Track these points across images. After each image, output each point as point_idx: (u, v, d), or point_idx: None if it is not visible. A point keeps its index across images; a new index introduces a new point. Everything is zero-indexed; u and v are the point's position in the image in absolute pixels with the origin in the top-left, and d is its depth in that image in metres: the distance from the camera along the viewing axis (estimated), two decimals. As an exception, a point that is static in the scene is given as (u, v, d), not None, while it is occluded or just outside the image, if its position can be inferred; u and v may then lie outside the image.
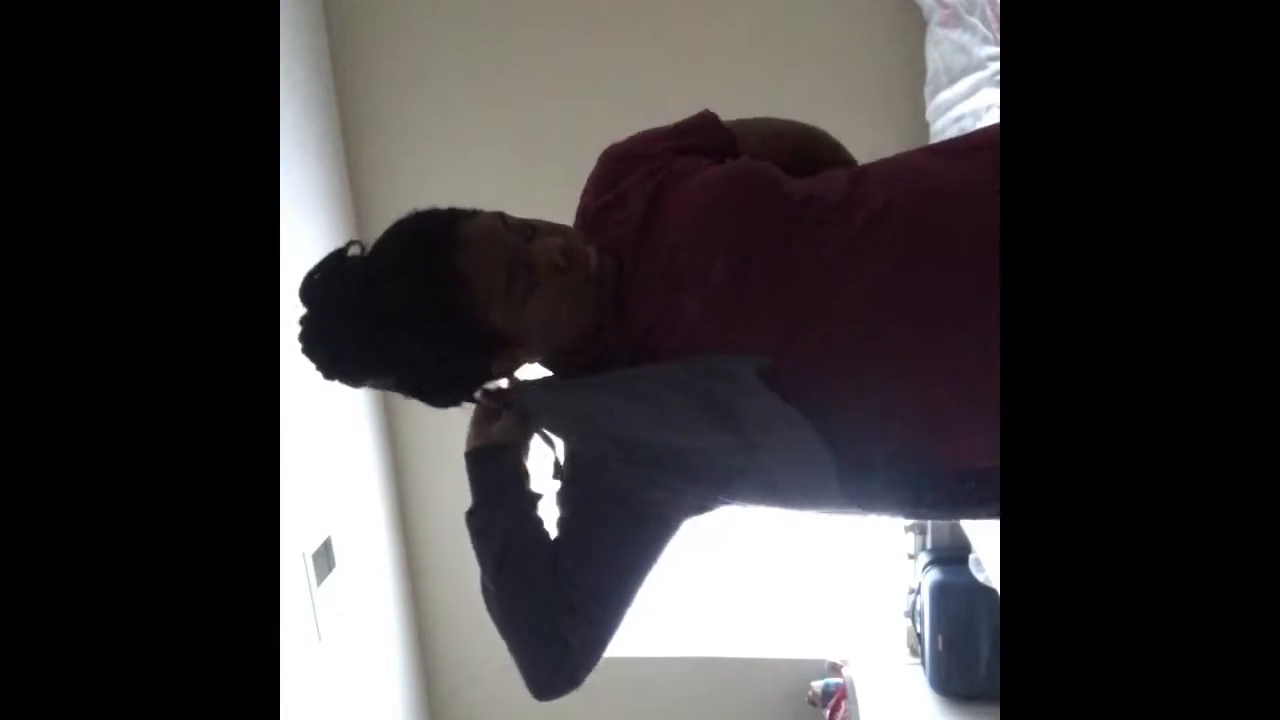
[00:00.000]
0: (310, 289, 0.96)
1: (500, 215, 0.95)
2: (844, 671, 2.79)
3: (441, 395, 1.04)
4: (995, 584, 2.09)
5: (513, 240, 0.93)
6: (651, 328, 0.96)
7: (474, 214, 0.96)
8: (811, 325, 0.87)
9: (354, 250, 0.98)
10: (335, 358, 0.96)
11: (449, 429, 3.03)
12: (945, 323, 0.84)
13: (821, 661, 2.94)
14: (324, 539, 2.49)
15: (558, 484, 1.11)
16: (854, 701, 2.66)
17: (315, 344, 0.96)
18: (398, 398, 2.81)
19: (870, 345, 0.86)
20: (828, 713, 2.85)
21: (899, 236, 0.86)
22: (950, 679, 2.52)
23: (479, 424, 1.11)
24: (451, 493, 3.02)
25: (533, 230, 0.95)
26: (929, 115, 2.32)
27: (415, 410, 2.99)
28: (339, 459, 2.58)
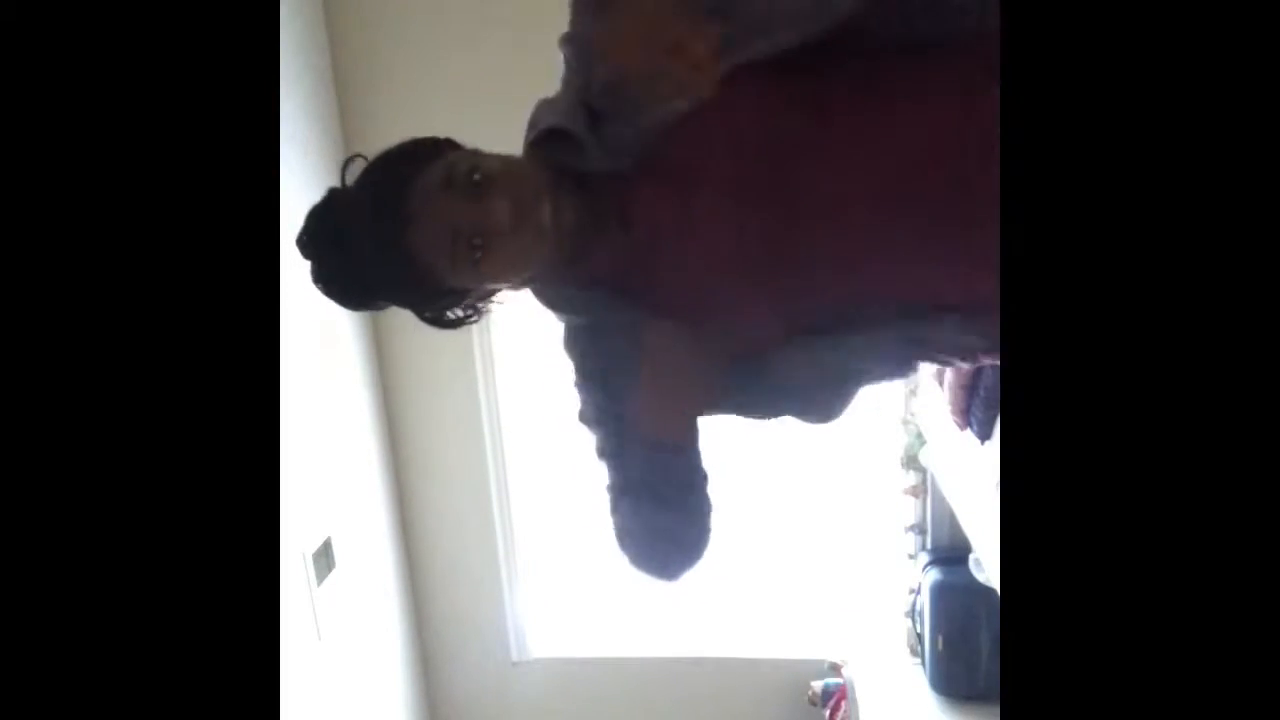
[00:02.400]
0: (303, 233, 1.00)
1: (448, 170, 0.93)
2: (844, 671, 2.79)
3: (438, 321, 1.06)
4: (995, 584, 2.09)
5: (457, 208, 0.92)
6: (658, 236, 0.99)
7: (422, 166, 0.94)
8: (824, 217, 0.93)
9: (354, 166, 1.01)
10: (332, 293, 1.00)
11: (449, 428, 3.04)
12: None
13: (821, 661, 2.94)
14: (324, 539, 2.49)
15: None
16: (854, 701, 2.66)
17: (316, 278, 1.00)
18: (399, 401, 2.80)
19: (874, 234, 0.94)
20: (828, 713, 2.85)
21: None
22: (950, 679, 2.53)
23: None
24: (452, 493, 3.03)
25: (480, 183, 0.93)
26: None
27: (416, 410, 3.00)
28: (339, 459, 2.58)
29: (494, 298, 1.05)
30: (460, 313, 1.04)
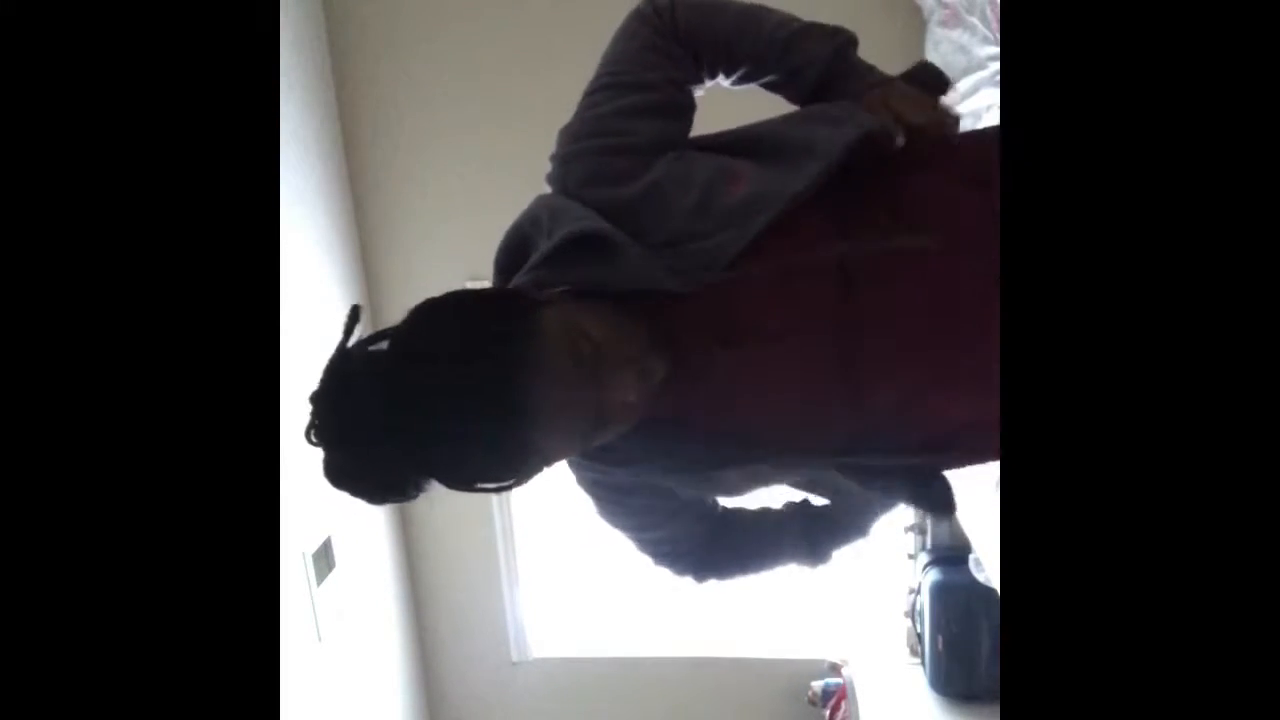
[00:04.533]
0: (333, 425, 0.79)
1: (571, 346, 0.78)
2: (844, 671, 2.79)
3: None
4: (995, 584, 2.09)
5: (583, 395, 0.78)
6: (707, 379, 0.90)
7: (523, 340, 0.76)
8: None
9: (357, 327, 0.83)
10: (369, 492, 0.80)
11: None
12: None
13: (821, 661, 2.94)
14: (324, 539, 2.49)
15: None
16: (854, 701, 2.66)
17: (344, 476, 0.79)
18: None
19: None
20: (828, 713, 2.85)
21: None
22: (950, 679, 2.53)
23: None
24: (451, 493, 3.03)
25: (597, 356, 0.79)
26: (929, 115, 2.32)
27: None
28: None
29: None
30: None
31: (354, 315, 0.82)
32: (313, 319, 2.35)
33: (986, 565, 2.16)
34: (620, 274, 0.83)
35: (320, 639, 2.46)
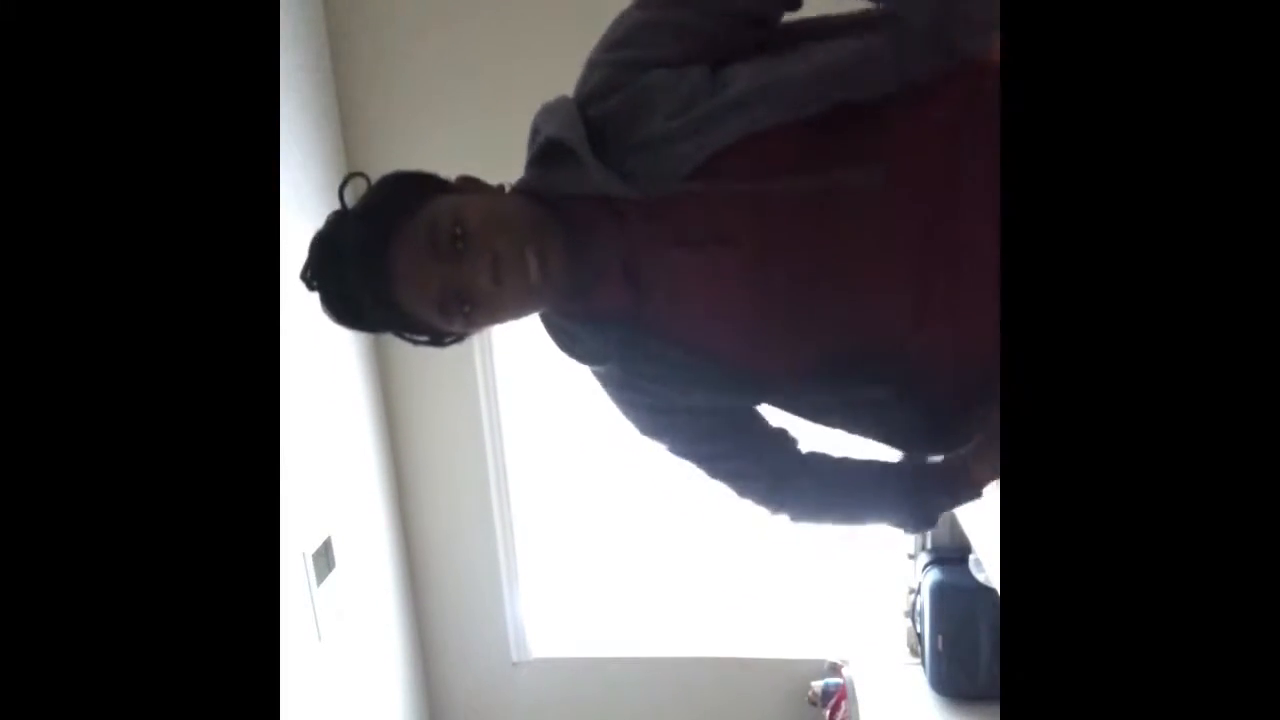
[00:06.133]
0: (306, 264, 0.99)
1: (430, 229, 0.91)
2: (844, 671, 2.79)
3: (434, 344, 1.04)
4: (995, 584, 2.09)
5: (441, 270, 0.91)
6: (669, 290, 0.96)
7: (406, 216, 0.92)
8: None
9: (354, 184, 1.00)
10: (339, 321, 0.99)
11: (449, 428, 3.04)
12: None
13: (821, 661, 2.94)
14: (324, 539, 2.49)
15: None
16: (854, 701, 2.66)
17: (323, 307, 0.99)
18: (399, 400, 2.81)
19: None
20: (828, 713, 2.85)
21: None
22: (950, 679, 2.52)
23: None
24: (451, 493, 3.04)
25: (462, 240, 0.90)
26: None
27: (416, 410, 3.00)
28: (339, 459, 2.58)
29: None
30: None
31: (345, 180, 1.01)
32: (313, 319, 2.35)
33: (986, 565, 2.16)
34: (577, 180, 0.93)
35: (320, 639, 2.46)
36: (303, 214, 2.46)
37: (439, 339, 1.01)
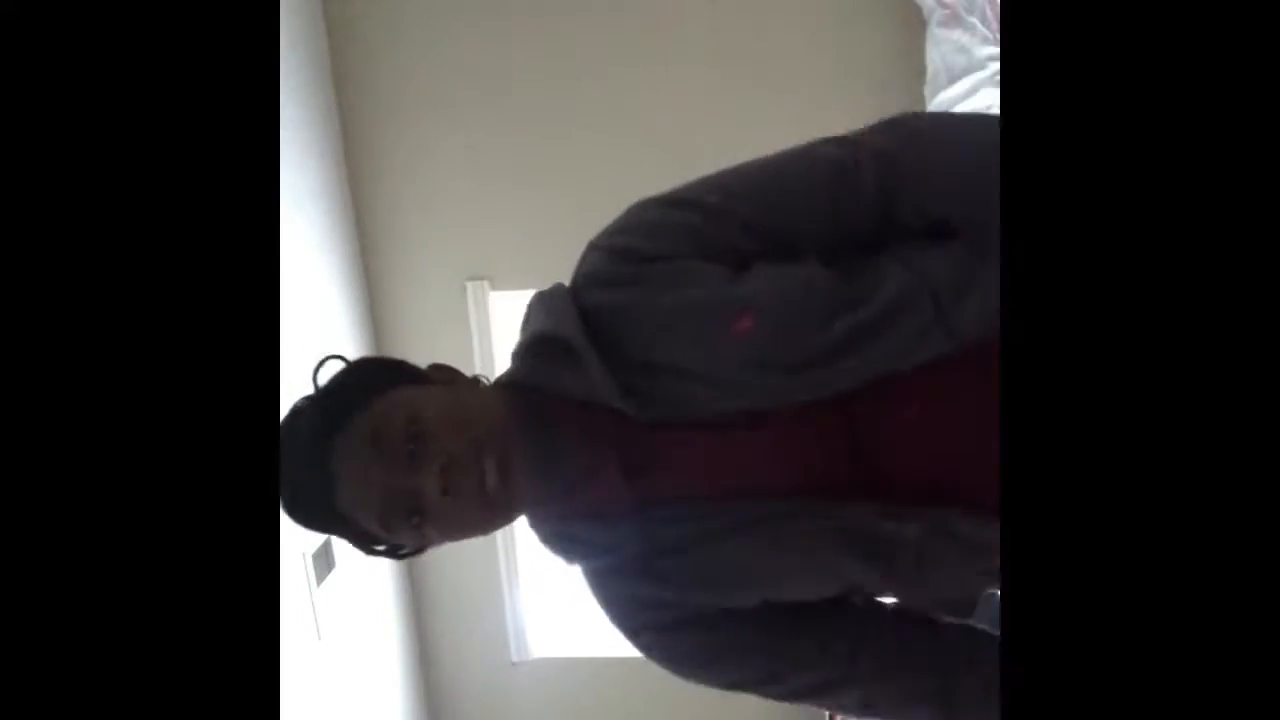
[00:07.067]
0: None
1: (377, 424, 0.80)
2: (844, 671, 2.78)
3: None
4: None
5: (384, 472, 0.79)
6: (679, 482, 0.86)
7: (355, 411, 0.80)
8: None
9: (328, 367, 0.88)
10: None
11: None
12: None
13: (821, 661, 2.94)
14: (324, 539, 2.49)
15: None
16: (854, 701, 2.65)
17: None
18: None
19: None
20: (828, 713, 2.85)
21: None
22: (950, 679, 2.52)
23: None
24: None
25: (415, 440, 0.79)
26: (929, 115, 2.33)
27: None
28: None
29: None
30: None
31: (321, 362, 0.88)
32: (312, 319, 2.35)
33: (986, 565, 2.15)
34: (574, 383, 0.83)
35: (320, 639, 2.46)
36: (302, 214, 2.46)
37: (393, 551, 0.89)
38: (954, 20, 2.25)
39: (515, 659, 3.20)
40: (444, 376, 0.88)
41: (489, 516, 0.83)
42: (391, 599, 2.99)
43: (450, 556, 3.10)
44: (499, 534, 3.03)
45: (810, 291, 0.81)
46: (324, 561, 2.49)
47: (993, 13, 2.22)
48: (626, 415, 0.82)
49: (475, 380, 0.89)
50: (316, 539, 2.44)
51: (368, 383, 0.84)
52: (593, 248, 0.88)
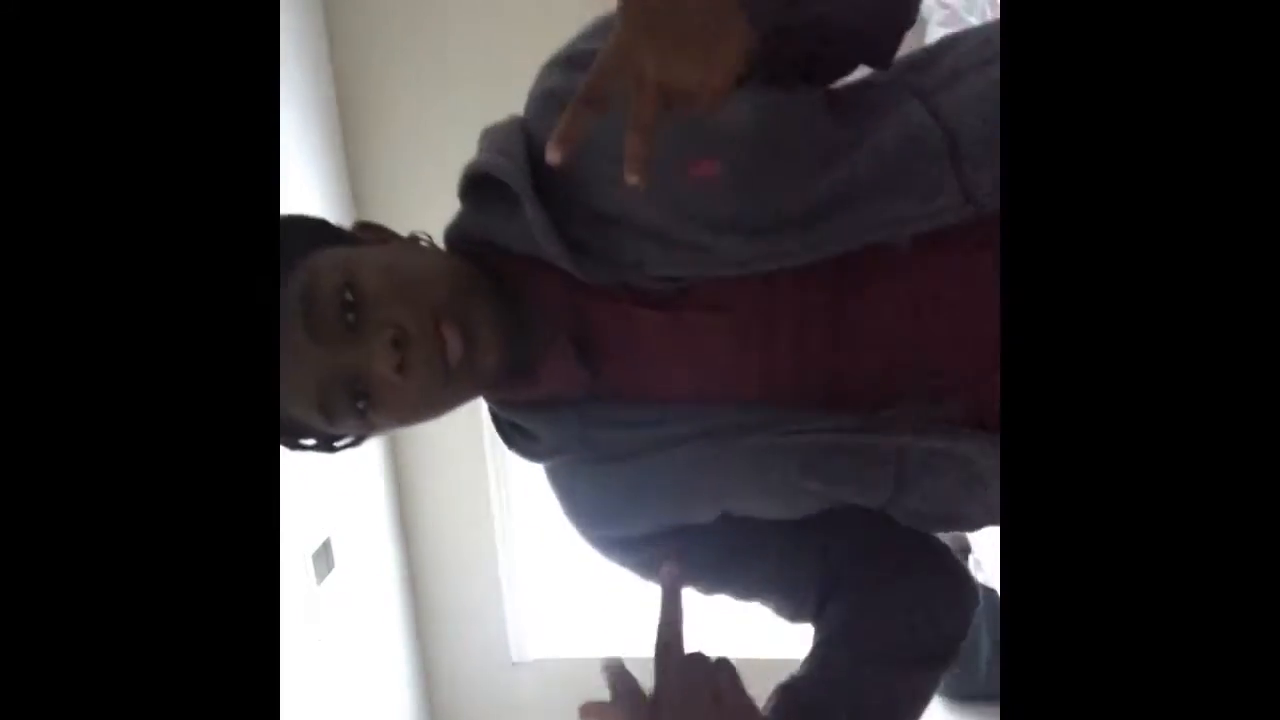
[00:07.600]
0: None
1: (305, 294, 0.66)
2: (844, 671, 2.78)
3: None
4: (995, 584, 2.09)
5: (317, 353, 0.66)
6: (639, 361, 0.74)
7: (280, 294, 0.67)
8: None
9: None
10: None
11: (449, 428, 3.03)
12: None
13: (821, 661, 2.94)
14: (324, 539, 2.49)
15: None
16: (854, 701, 2.65)
17: None
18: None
19: None
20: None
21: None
22: (950, 679, 2.52)
23: None
24: (452, 492, 3.03)
25: (354, 309, 0.66)
26: (929, 115, 2.33)
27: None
28: (339, 459, 2.58)
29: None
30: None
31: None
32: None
33: (986, 565, 2.16)
34: (511, 233, 0.71)
35: (320, 639, 2.46)
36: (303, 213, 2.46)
37: (327, 444, 0.77)
38: (954, 20, 2.25)
39: (515, 659, 3.20)
40: (374, 234, 0.75)
41: (449, 395, 0.71)
42: (392, 599, 2.99)
43: (450, 557, 3.11)
44: (499, 534, 3.03)
45: (792, 129, 0.67)
46: (324, 561, 2.49)
47: (993, 13, 2.22)
48: (576, 280, 0.69)
49: (413, 238, 0.76)
50: (316, 539, 2.44)
51: (285, 245, 0.70)
52: (551, 63, 0.74)
